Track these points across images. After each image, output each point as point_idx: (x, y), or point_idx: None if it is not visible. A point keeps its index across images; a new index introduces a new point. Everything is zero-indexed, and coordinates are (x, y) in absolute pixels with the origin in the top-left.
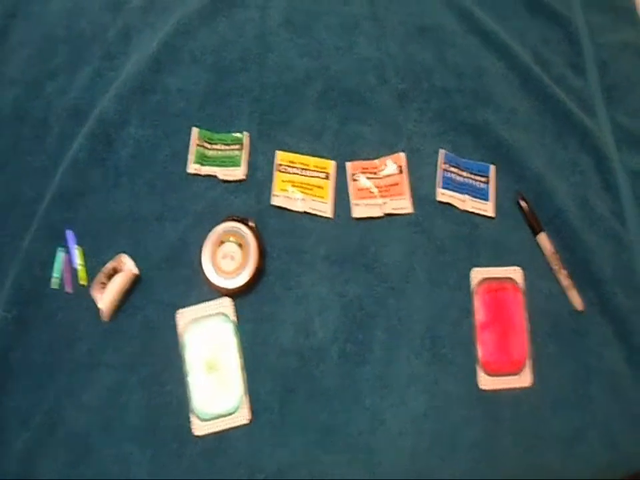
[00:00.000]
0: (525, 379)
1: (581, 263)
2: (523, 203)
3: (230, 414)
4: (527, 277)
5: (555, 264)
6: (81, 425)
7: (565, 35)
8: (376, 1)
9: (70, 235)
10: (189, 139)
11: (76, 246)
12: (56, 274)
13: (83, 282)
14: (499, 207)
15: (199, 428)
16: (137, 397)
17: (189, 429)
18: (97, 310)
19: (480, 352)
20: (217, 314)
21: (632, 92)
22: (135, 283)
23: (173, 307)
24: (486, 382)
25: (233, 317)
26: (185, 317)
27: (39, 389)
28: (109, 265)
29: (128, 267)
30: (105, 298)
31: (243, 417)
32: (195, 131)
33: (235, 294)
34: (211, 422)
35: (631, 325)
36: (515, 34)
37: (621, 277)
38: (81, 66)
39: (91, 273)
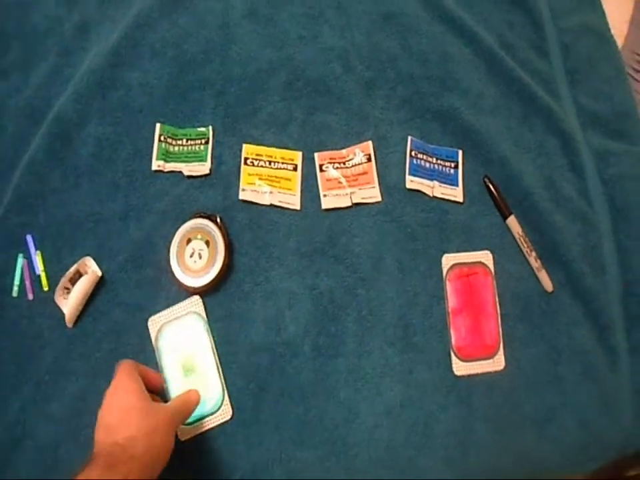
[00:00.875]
0: (498, 363)
1: (549, 245)
2: (491, 187)
3: (212, 413)
4: (497, 261)
5: (525, 246)
6: (49, 436)
7: (528, 19)
8: None
9: (30, 240)
10: (152, 135)
11: (37, 251)
12: (17, 281)
13: (45, 288)
14: (467, 192)
15: (184, 432)
16: None
17: None
18: (62, 316)
19: (453, 338)
20: (188, 313)
21: (594, 74)
22: (100, 286)
23: (140, 309)
24: (460, 367)
25: (203, 315)
26: (156, 323)
27: (2, 401)
28: (72, 269)
29: (92, 269)
30: (69, 303)
31: (226, 413)
32: (158, 126)
33: (203, 292)
34: (195, 424)
35: (600, 305)
36: (479, 19)
37: (588, 257)
38: (35, 62)
39: (54, 278)
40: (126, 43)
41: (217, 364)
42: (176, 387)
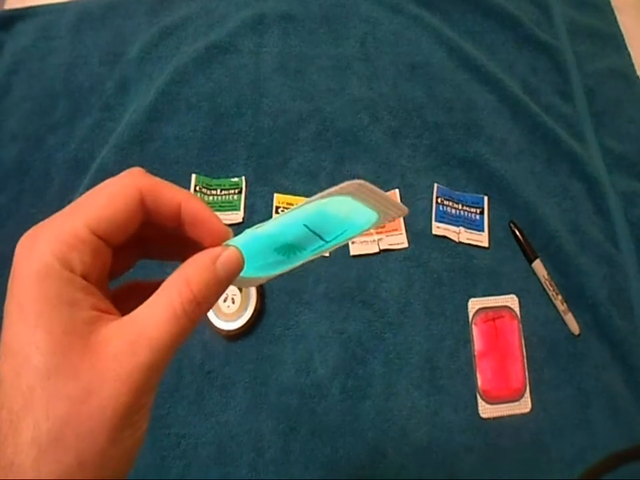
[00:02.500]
0: (524, 405)
1: (575, 287)
2: (517, 232)
3: None
4: (522, 305)
5: (551, 289)
6: None
7: (552, 64)
8: (367, 42)
9: None
10: (188, 186)
11: None
12: None
13: None
14: (493, 237)
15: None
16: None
17: (197, 470)
18: None
19: (479, 380)
20: None
21: (619, 116)
22: None
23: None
24: (486, 410)
25: None
26: None
27: None
28: None
29: None
30: None
31: None
32: (193, 177)
33: (236, 336)
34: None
35: (628, 346)
36: (504, 66)
37: (615, 299)
38: (80, 118)
39: None
40: (163, 98)
41: None
42: None
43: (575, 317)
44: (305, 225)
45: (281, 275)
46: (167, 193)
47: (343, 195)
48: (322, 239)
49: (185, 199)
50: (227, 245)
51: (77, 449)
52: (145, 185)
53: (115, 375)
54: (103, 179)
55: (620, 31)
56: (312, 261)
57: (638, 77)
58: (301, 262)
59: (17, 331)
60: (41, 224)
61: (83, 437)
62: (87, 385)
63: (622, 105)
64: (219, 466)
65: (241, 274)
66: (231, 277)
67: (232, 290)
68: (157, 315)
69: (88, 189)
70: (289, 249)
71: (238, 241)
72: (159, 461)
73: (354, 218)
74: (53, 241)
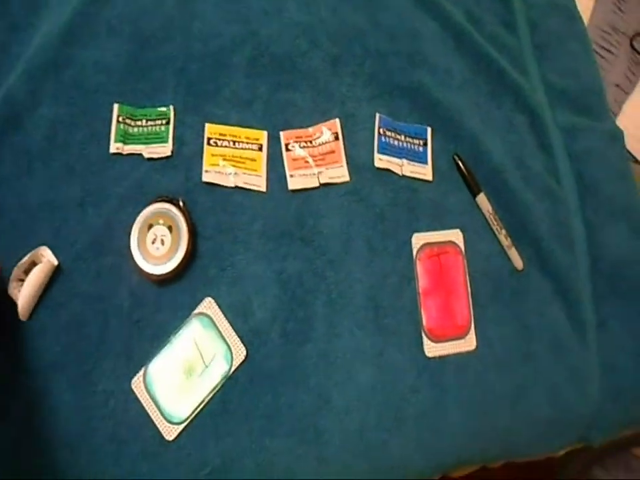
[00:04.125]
0: (469, 343)
1: (519, 222)
2: (461, 164)
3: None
4: (467, 239)
5: (495, 224)
6: (7, 435)
7: None
8: None
9: None
10: (110, 117)
11: None
12: None
13: None
14: (436, 170)
15: (170, 432)
16: (67, 400)
17: (128, 430)
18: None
19: (424, 318)
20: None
21: (561, 51)
22: (57, 277)
23: (100, 299)
24: (432, 349)
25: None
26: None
27: None
28: (26, 259)
29: (47, 258)
30: (23, 294)
31: None
32: (116, 107)
33: (166, 280)
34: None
35: (570, 282)
36: None
37: (557, 234)
38: None
39: (8, 271)
40: (80, 20)
41: None
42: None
43: (518, 251)
44: None
45: None
46: None
47: None
48: None
49: None
50: None
51: None
52: None
53: None
54: (12, 111)
55: None
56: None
57: (578, 12)
58: None
59: None
60: None
61: None
62: None
63: (564, 40)
64: (152, 424)
65: None
66: None
67: (161, 230)
68: None
69: None
70: None
71: None
72: (84, 422)
73: None
74: None
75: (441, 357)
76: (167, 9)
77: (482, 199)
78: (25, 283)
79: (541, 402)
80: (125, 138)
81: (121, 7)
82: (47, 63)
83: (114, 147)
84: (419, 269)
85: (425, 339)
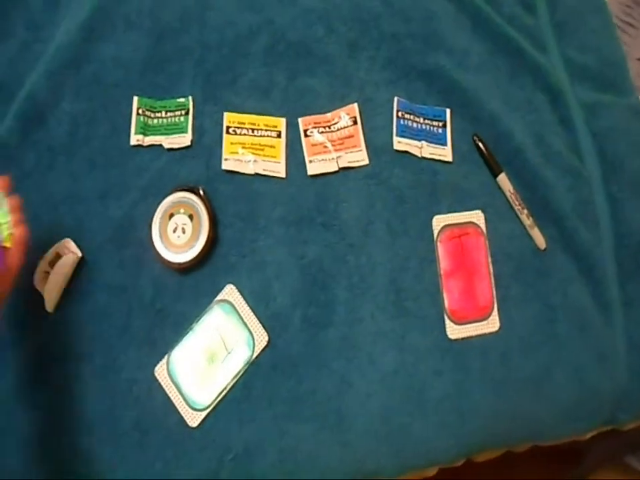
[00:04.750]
0: (492, 324)
1: (541, 201)
2: (480, 145)
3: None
4: (488, 220)
5: (516, 204)
6: (35, 425)
7: None
8: None
9: None
10: (130, 110)
11: None
12: None
13: None
14: (456, 151)
15: (194, 418)
16: (92, 388)
17: (151, 417)
18: (43, 301)
19: (446, 300)
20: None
21: (581, 27)
22: (81, 268)
23: (124, 290)
24: (454, 331)
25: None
26: None
27: None
28: (51, 252)
29: (71, 251)
30: (48, 287)
31: None
32: (135, 99)
33: (188, 268)
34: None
35: (594, 259)
36: None
37: (580, 212)
38: (2, 39)
39: (33, 264)
40: (98, 15)
41: None
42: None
43: (541, 231)
44: None
45: None
46: None
47: None
48: None
49: None
50: None
51: None
52: None
53: None
54: (35, 108)
55: None
56: None
57: None
58: None
59: None
60: None
61: None
62: None
63: (583, 15)
64: (176, 411)
65: None
66: None
67: (182, 219)
68: None
69: (17, 118)
70: None
71: None
72: (108, 409)
73: None
74: None
75: (463, 339)
76: (182, 0)
77: (503, 178)
78: (51, 276)
79: (565, 383)
80: (145, 130)
81: (138, 1)
82: (67, 60)
83: (134, 139)
84: (440, 250)
85: (447, 321)
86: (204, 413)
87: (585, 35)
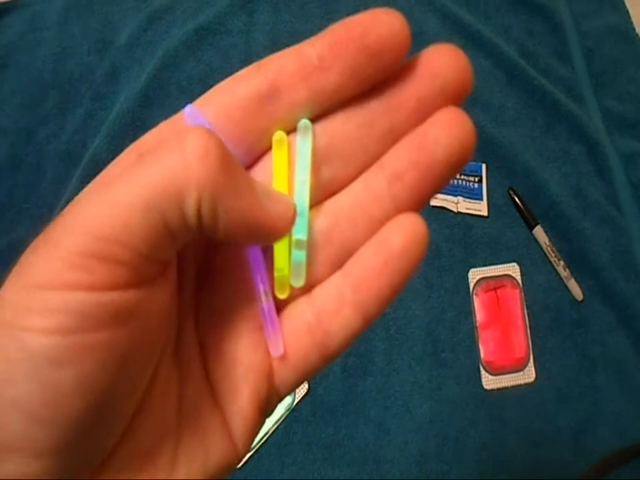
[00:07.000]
0: (528, 375)
1: (578, 253)
2: (516, 198)
3: None
4: (524, 273)
5: (552, 256)
6: None
7: (549, 25)
8: None
9: None
10: None
11: None
12: None
13: None
14: (492, 205)
15: None
16: None
17: None
18: None
19: (482, 352)
20: None
21: (618, 76)
22: None
23: None
24: (490, 381)
25: None
26: None
27: None
28: None
29: None
30: None
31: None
32: None
33: None
34: None
35: (634, 310)
36: (499, 31)
37: (619, 262)
38: (71, 109)
39: None
40: (153, 84)
41: None
42: None
43: (578, 282)
44: None
45: None
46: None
47: None
48: None
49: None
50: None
51: None
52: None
53: None
54: (94, 170)
55: None
56: None
57: (637, 35)
58: None
59: None
60: None
61: None
62: None
63: (621, 64)
64: None
65: None
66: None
67: None
68: None
69: (81, 181)
70: None
71: None
72: None
73: None
74: None
75: (499, 389)
76: (231, 67)
77: (539, 231)
78: None
79: (605, 435)
80: None
81: (189, 69)
82: (126, 124)
83: None
84: (476, 303)
85: (482, 372)
86: (248, 455)
87: (623, 84)
